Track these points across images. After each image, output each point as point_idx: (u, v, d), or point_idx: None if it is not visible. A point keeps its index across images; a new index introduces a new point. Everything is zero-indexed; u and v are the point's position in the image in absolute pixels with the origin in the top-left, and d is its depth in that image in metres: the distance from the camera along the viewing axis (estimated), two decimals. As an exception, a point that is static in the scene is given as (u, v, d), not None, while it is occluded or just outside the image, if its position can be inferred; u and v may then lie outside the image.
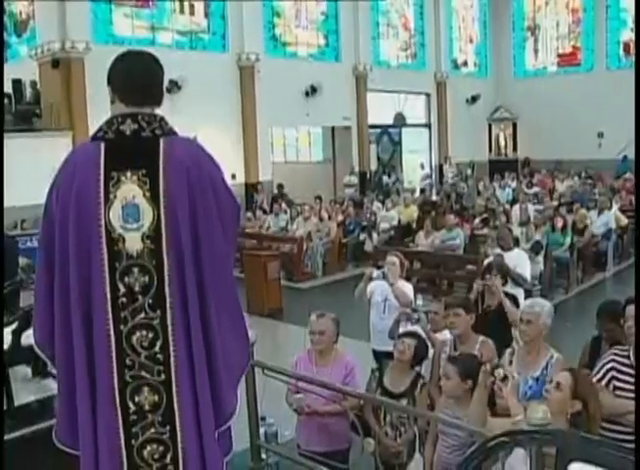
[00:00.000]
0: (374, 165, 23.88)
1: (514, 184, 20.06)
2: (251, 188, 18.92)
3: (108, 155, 2.39)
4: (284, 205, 16.53)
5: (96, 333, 2.41)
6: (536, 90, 26.33)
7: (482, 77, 28.18)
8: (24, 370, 4.10)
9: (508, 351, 4.55)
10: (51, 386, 3.79)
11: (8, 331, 3.70)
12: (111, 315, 2.39)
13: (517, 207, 14.62)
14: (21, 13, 18.31)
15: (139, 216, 2.37)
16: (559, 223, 11.87)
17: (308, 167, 22.80)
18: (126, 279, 2.38)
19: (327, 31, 22.01)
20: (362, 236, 14.65)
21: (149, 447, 2.43)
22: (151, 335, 2.40)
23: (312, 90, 20.52)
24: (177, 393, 2.41)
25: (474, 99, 26.82)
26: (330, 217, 14.95)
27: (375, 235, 14.65)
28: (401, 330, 5.51)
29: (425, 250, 11.79)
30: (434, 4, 25.41)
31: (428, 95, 25.75)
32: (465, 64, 27.92)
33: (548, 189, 19.08)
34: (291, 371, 4.39)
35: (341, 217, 15.38)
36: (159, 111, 2.56)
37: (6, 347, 3.66)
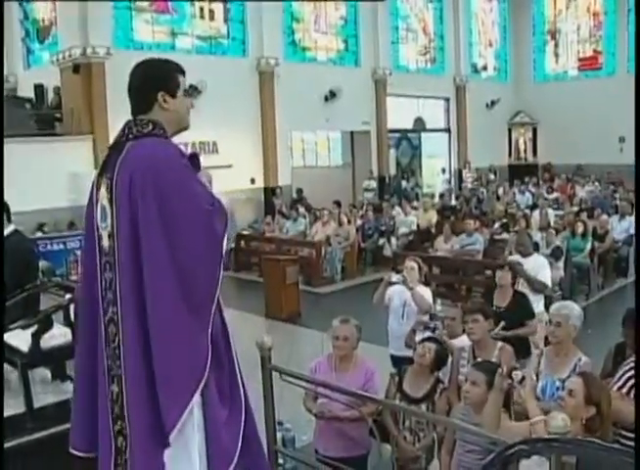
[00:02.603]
0: (393, 170, 23.82)
1: (534, 189, 19.93)
2: (271, 192, 18.95)
3: (103, 163, 2.67)
4: (302, 209, 16.53)
5: (98, 319, 2.60)
6: (557, 94, 26.14)
7: (502, 82, 28.02)
8: (44, 373, 4.13)
9: (535, 352, 4.57)
10: (70, 389, 3.81)
11: (28, 334, 3.74)
12: (101, 305, 2.58)
13: (537, 212, 14.53)
14: (43, 20, 18.54)
15: (106, 217, 2.57)
16: (579, 229, 11.75)
17: (327, 172, 22.77)
18: (105, 274, 2.58)
19: (346, 36, 21.99)
20: (381, 241, 14.63)
21: (119, 438, 2.53)
22: (115, 329, 2.53)
23: (331, 95, 20.48)
24: (125, 389, 2.49)
25: (493, 103, 26.64)
26: (349, 222, 14.90)
27: (394, 240, 14.63)
28: (418, 338, 5.48)
29: (444, 255, 11.74)
30: (454, 8, 25.28)
31: (447, 99, 25.63)
32: (485, 68, 27.75)
33: (568, 195, 18.94)
34: (309, 376, 4.38)
35: (359, 222, 15.33)
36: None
37: (26, 349, 3.69)
